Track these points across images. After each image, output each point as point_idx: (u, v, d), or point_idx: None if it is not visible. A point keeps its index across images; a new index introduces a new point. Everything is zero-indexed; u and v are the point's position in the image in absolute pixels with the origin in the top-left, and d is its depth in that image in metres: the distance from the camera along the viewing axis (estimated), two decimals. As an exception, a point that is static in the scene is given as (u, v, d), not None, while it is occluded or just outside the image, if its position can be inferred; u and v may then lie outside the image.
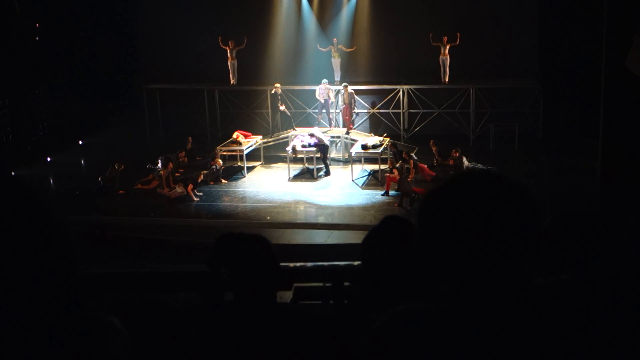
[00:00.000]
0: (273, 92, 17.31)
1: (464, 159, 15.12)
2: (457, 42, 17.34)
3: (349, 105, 17.18)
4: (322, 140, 15.79)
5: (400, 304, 1.41)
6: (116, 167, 14.94)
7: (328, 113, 17.72)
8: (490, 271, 1.28)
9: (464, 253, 1.28)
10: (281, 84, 17.79)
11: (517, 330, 1.29)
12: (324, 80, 17.30)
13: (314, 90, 17.62)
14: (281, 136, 17.58)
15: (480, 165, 15.09)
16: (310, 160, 16.23)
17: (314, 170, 15.88)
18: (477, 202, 1.29)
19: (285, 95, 18.43)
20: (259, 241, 2.55)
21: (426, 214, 1.36)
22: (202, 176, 14.77)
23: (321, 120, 17.84)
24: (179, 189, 14.23)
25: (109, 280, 3.92)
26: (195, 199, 14.26)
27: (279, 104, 17.31)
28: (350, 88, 17.28)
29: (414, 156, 15.47)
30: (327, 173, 15.77)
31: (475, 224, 1.27)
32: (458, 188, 1.34)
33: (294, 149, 15.99)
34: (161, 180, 14.92)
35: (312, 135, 15.86)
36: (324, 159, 15.81)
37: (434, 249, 1.33)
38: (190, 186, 14.27)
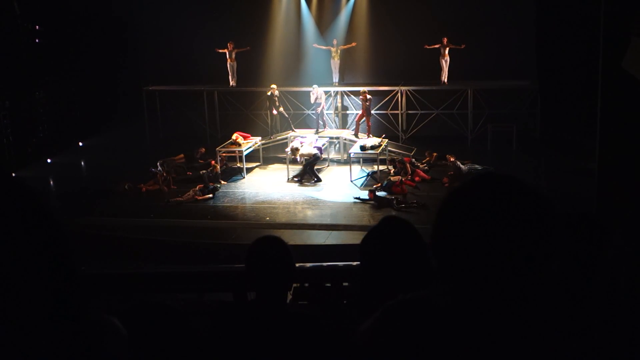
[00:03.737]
0: (269, 93, 17.34)
1: (459, 163, 15.07)
2: (462, 46, 17.30)
3: (366, 112, 16.94)
4: (310, 154, 15.56)
5: (403, 295, 1.43)
6: (126, 187, 14.88)
7: (323, 116, 17.72)
8: (502, 272, 1.29)
9: (479, 253, 1.29)
10: (280, 86, 17.82)
11: (516, 327, 1.31)
12: (314, 86, 17.33)
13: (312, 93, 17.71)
14: (279, 137, 17.61)
15: (477, 167, 15.11)
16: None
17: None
18: (495, 205, 1.30)
19: (284, 96, 18.45)
20: (278, 243, 2.62)
21: (445, 213, 1.37)
22: (213, 195, 14.66)
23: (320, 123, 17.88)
24: (192, 193, 14.27)
25: (110, 281, 3.93)
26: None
27: (274, 106, 17.30)
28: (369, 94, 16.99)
29: (413, 160, 15.61)
30: (317, 180, 15.46)
31: (492, 227, 1.28)
32: (479, 190, 1.35)
33: (292, 150, 15.99)
34: (159, 185, 14.94)
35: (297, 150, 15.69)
36: (311, 169, 15.49)
37: (449, 247, 1.35)
38: (207, 197, 14.37)
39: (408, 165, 15.18)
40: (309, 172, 15.46)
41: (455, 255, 1.33)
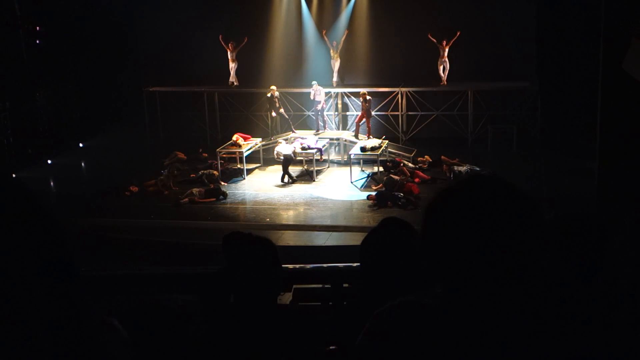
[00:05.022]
0: (269, 95, 17.36)
1: (455, 168, 15.05)
2: (457, 35, 17.25)
3: (366, 113, 16.92)
4: (280, 154, 15.67)
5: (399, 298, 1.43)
6: (130, 189, 14.93)
7: (323, 115, 17.75)
8: (489, 274, 1.29)
9: (466, 256, 1.29)
10: (281, 87, 17.85)
11: (508, 329, 1.31)
12: (314, 82, 17.34)
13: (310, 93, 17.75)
14: (280, 139, 17.62)
15: (476, 168, 15.12)
16: (309, 162, 16.28)
17: (314, 172, 15.92)
18: (482, 207, 1.30)
19: (285, 97, 18.46)
20: (266, 244, 2.60)
21: (432, 215, 1.37)
22: (216, 199, 14.64)
23: (319, 123, 17.92)
24: (196, 194, 14.30)
25: (109, 282, 3.93)
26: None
27: (274, 108, 17.31)
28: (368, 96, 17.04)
29: (408, 163, 15.71)
30: (287, 182, 15.51)
31: (479, 229, 1.29)
32: (464, 193, 1.35)
33: (293, 151, 16.02)
34: (159, 187, 14.94)
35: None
36: (284, 168, 15.58)
37: (437, 249, 1.35)
38: (208, 200, 14.39)
39: (403, 167, 15.19)
40: (285, 172, 15.56)
41: (443, 257, 1.33)
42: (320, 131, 17.63)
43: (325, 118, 17.96)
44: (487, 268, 1.29)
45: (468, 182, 1.38)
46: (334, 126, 18.79)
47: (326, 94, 17.97)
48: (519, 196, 1.33)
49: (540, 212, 1.33)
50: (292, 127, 17.80)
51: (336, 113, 19.08)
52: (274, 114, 17.39)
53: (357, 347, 1.44)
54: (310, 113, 18.65)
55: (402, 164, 15.43)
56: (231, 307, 2.60)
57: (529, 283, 1.32)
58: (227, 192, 14.85)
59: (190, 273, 4.28)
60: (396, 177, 14.40)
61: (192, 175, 15.84)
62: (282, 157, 15.65)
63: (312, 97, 17.58)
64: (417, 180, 14.85)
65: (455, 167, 14.94)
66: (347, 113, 19.21)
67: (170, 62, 18.84)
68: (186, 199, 14.23)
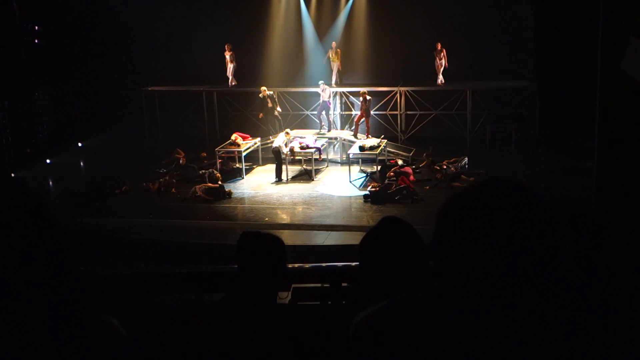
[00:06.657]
0: (261, 96, 17.38)
1: (446, 165, 15.04)
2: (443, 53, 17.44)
3: (365, 112, 16.96)
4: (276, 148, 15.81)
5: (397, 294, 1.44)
6: (123, 190, 14.95)
7: (328, 115, 17.77)
8: (502, 278, 1.28)
9: (480, 259, 1.28)
10: (280, 87, 17.84)
11: (515, 330, 1.31)
12: (321, 82, 17.36)
13: (312, 92, 17.74)
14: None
15: (466, 165, 15.19)
16: (308, 161, 16.27)
17: (312, 171, 15.92)
18: (499, 211, 1.29)
19: (284, 97, 18.45)
20: (275, 242, 2.61)
21: (446, 217, 1.36)
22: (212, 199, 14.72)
23: (321, 122, 17.93)
24: (197, 191, 14.35)
25: (109, 281, 3.94)
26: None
27: (266, 109, 17.33)
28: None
29: (399, 161, 15.79)
30: (280, 179, 15.68)
31: (495, 232, 1.27)
32: (481, 196, 1.34)
33: (292, 150, 16.02)
34: (161, 188, 14.96)
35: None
36: (277, 165, 15.76)
37: (449, 251, 1.34)
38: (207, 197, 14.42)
39: (398, 168, 15.22)
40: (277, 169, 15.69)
41: (455, 259, 1.33)
42: (323, 131, 17.62)
43: (329, 118, 17.93)
44: (501, 272, 1.28)
45: (484, 186, 1.37)
46: (332, 126, 18.79)
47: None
48: (538, 200, 1.32)
49: (558, 217, 1.32)
50: (282, 126, 17.79)
51: (335, 113, 19.09)
52: (260, 115, 17.46)
53: (368, 329, 1.45)
54: (310, 113, 18.65)
55: (397, 165, 15.43)
56: (231, 307, 2.61)
57: (541, 286, 1.31)
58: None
59: (189, 273, 4.28)
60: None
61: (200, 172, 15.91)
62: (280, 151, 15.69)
63: (326, 97, 17.55)
64: (412, 178, 14.85)
65: (445, 166, 15.00)
66: (347, 112, 19.21)
67: (169, 61, 18.84)
68: (197, 193, 14.28)
